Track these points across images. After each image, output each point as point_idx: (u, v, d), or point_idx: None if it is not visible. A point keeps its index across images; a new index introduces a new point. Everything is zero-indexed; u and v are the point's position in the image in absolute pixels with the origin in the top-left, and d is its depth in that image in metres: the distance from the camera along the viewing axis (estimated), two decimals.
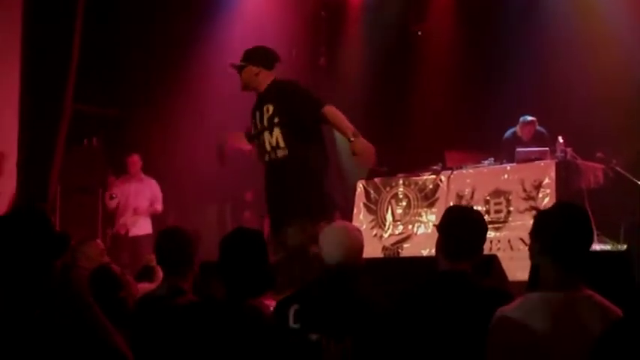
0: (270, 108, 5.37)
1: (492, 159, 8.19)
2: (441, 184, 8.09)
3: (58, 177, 8.97)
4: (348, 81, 12.05)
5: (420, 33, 11.87)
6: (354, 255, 3.70)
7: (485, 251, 3.69)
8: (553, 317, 2.67)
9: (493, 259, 5.26)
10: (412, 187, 8.30)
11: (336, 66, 12.25)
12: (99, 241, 5.74)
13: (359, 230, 3.93)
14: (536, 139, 8.48)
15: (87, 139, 10.84)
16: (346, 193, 9.30)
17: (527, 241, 7.26)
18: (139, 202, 9.41)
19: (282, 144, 5.33)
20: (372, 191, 8.58)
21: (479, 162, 8.20)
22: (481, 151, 8.61)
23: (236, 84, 10.66)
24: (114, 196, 9.16)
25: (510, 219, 7.51)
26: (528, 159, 7.72)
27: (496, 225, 7.29)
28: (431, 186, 8.16)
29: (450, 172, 8.11)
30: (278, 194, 5.46)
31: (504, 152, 8.29)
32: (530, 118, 8.57)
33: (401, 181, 8.42)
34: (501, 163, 8.03)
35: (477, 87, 10.44)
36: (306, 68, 11.95)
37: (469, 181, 7.95)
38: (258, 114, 5.48)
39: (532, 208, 7.38)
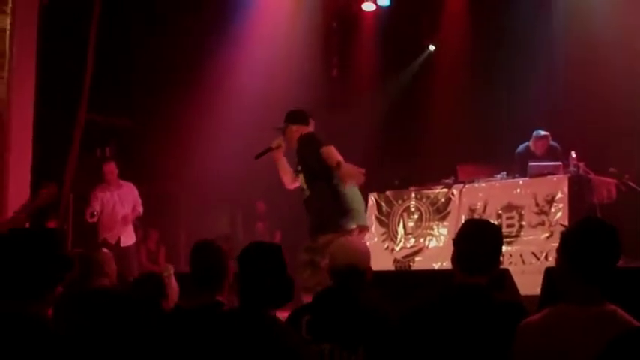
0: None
1: (505, 173, 8.19)
2: (453, 198, 8.09)
3: (71, 186, 9.00)
4: (360, 92, 12.08)
5: (432, 46, 11.89)
6: (362, 258, 3.78)
7: None
8: (577, 331, 2.68)
9: (505, 273, 5.25)
10: (424, 200, 8.31)
11: (348, 77, 12.28)
12: (105, 250, 5.78)
13: (364, 242, 3.99)
14: (550, 154, 8.46)
15: (99, 149, 10.89)
16: None
17: (539, 255, 7.33)
18: (126, 210, 9.36)
19: (304, 186, 6.38)
20: (384, 204, 8.59)
21: (491, 176, 8.20)
22: (493, 165, 8.61)
23: (248, 94, 10.79)
24: (95, 213, 9.07)
25: (522, 233, 7.51)
26: (541, 174, 7.72)
27: (508, 239, 7.29)
28: (443, 200, 8.16)
29: (462, 185, 8.12)
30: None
31: (517, 167, 8.28)
32: (543, 132, 8.56)
33: (413, 195, 8.43)
34: (514, 178, 8.03)
35: (489, 101, 10.44)
36: (319, 79, 12.00)
37: (481, 195, 7.96)
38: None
39: (544, 222, 7.38)
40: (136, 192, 9.47)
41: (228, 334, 3.13)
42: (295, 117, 6.53)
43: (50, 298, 2.81)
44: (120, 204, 9.31)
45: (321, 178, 6.24)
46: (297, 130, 6.43)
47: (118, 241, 9.17)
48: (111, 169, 9.30)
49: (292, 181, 6.54)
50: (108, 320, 3.76)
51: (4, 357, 2.58)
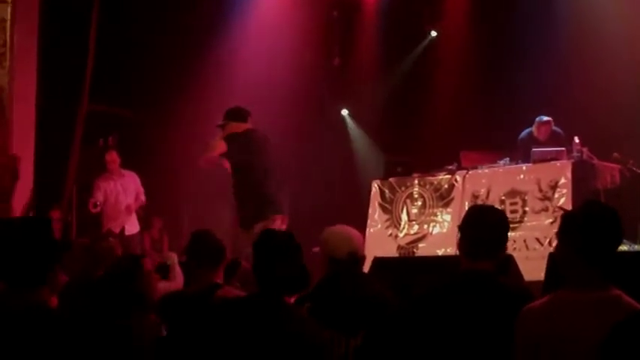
0: None
1: (508, 159, 8.17)
2: (456, 184, 8.08)
3: (74, 176, 9.00)
4: (363, 81, 12.05)
5: (434, 32, 11.85)
6: (360, 246, 3.84)
7: None
8: (581, 316, 2.67)
9: (509, 259, 5.24)
10: (427, 186, 8.29)
11: (350, 66, 12.24)
12: (112, 238, 5.79)
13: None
14: (553, 140, 8.43)
15: (102, 139, 10.87)
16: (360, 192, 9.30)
17: (543, 241, 7.32)
18: (129, 199, 9.34)
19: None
20: (387, 191, 8.58)
21: (494, 162, 8.18)
22: (496, 151, 8.59)
23: (250, 84, 10.77)
24: (97, 204, 9.06)
25: (526, 219, 7.50)
26: (544, 159, 7.69)
27: (512, 225, 7.20)
28: (446, 186, 8.15)
29: (465, 172, 8.10)
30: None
31: (520, 152, 8.26)
32: (546, 118, 8.52)
33: (416, 181, 8.42)
34: (517, 164, 8.01)
35: (492, 87, 10.41)
36: (320, 69, 11.97)
37: (484, 181, 7.94)
38: None
39: (548, 208, 7.36)
40: (138, 181, 9.45)
41: (247, 320, 3.14)
42: (234, 114, 7.13)
43: (53, 282, 2.85)
44: (123, 193, 9.29)
45: (243, 171, 6.89)
46: (236, 127, 7.00)
47: (122, 230, 9.15)
48: (113, 157, 9.28)
49: (209, 163, 7.19)
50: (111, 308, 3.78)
51: (14, 345, 2.62)
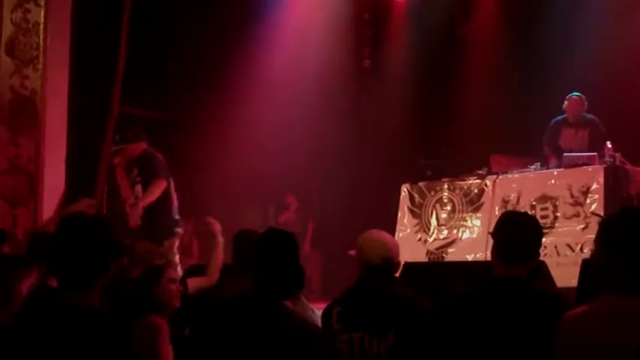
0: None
1: (538, 164, 8.11)
2: (486, 189, 8.03)
3: (105, 178, 9.06)
4: (393, 83, 12.02)
5: (463, 34, 11.78)
6: (396, 252, 3.85)
7: None
8: (624, 324, 2.64)
9: (542, 265, 5.19)
10: (457, 191, 8.24)
11: (380, 68, 12.22)
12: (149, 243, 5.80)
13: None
14: (585, 124, 8.37)
15: None
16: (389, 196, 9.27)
17: (575, 247, 7.24)
18: None
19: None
20: (416, 195, 8.54)
21: (525, 167, 8.12)
22: (527, 155, 8.53)
23: (281, 86, 10.79)
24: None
25: (557, 224, 7.43)
26: (576, 164, 7.62)
27: (543, 230, 7.18)
28: (476, 190, 8.10)
29: (495, 176, 8.05)
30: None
31: (547, 135, 8.33)
32: (576, 94, 8.43)
33: (446, 186, 8.37)
34: (548, 167, 7.96)
35: (523, 89, 10.33)
36: (351, 71, 11.97)
37: (515, 186, 7.88)
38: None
39: (579, 213, 7.29)
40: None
41: (244, 322, 3.13)
42: (130, 137, 7.52)
43: (99, 286, 2.88)
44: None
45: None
46: (133, 148, 7.42)
47: None
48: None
49: (129, 190, 7.47)
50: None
51: (63, 346, 2.66)
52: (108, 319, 2.83)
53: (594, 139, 8.23)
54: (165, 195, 7.29)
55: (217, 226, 5.14)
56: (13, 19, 8.05)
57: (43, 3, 8.12)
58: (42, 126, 7.99)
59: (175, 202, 7.45)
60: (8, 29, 8.05)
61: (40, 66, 8.10)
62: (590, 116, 8.46)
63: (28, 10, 8.10)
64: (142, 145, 7.47)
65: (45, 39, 8.10)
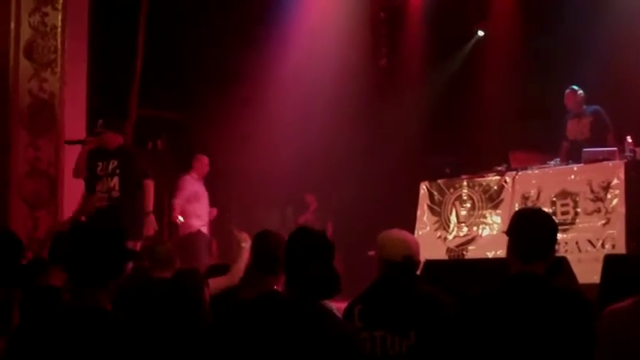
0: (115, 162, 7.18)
1: (558, 159, 8.06)
2: (505, 186, 7.98)
3: None
4: (410, 81, 11.99)
5: (481, 32, 11.74)
6: (417, 250, 3.84)
7: None
8: None
9: (562, 261, 5.16)
10: (476, 188, 8.21)
11: (397, 67, 12.20)
12: (169, 244, 5.82)
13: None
14: (586, 115, 8.47)
15: (151, 142, 10.99)
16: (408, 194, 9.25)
17: (596, 243, 7.19)
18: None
19: (115, 187, 7.11)
20: (435, 193, 8.51)
21: (544, 163, 8.07)
22: (546, 152, 8.48)
23: (296, 85, 10.79)
24: (181, 219, 9.22)
25: (578, 220, 7.37)
26: (596, 159, 7.56)
27: (563, 227, 7.15)
28: (495, 187, 8.06)
29: (514, 172, 8.00)
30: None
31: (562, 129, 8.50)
32: (572, 87, 8.57)
33: (465, 183, 8.34)
34: (567, 164, 7.92)
35: (540, 87, 10.27)
36: (367, 70, 11.94)
37: (534, 182, 7.83)
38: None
39: (600, 209, 7.23)
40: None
41: (278, 323, 3.11)
42: (113, 124, 7.32)
43: (112, 288, 2.92)
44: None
45: (135, 188, 7.08)
46: (114, 137, 7.17)
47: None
48: (207, 161, 9.49)
49: (80, 174, 7.22)
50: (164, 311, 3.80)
51: (74, 345, 2.69)
52: (121, 320, 2.85)
53: (595, 129, 8.38)
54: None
55: (243, 235, 5.17)
56: (31, 22, 8.11)
57: (60, 7, 8.18)
58: (61, 129, 8.06)
59: None
60: (27, 33, 8.12)
61: (58, 69, 8.16)
62: (593, 107, 8.57)
63: (46, 14, 8.16)
64: (120, 138, 7.30)
65: (63, 42, 8.16)
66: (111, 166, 7.14)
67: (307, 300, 3.15)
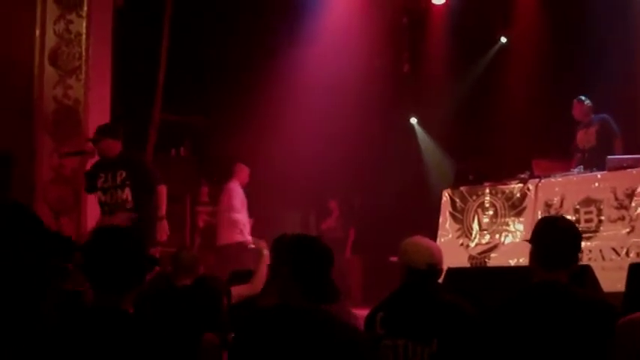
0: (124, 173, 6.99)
1: (582, 167, 8.00)
2: (528, 193, 7.93)
3: None
4: (432, 87, 11.97)
5: (504, 38, 11.70)
6: (440, 258, 3.82)
7: None
8: None
9: (587, 269, 5.12)
10: (499, 195, 8.17)
11: (419, 72, 12.18)
12: (194, 252, 5.85)
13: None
14: (593, 123, 8.49)
15: (174, 148, 11.04)
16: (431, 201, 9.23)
17: (620, 251, 7.12)
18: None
19: (129, 198, 6.96)
20: (458, 200, 8.48)
21: (567, 170, 8.02)
22: (569, 159, 8.44)
23: (319, 90, 10.80)
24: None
25: (602, 228, 7.30)
26: (620, 166, 7.50)
27: (587, 234, 7.08)
28: (518, 195, 8.01)
29: (538, 180, 7.95)
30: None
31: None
32: (580, 97, 8.62)
33: (487, 190, 8.30)
34: (591, 171, 7.86)
35: (564, 94, 10.20)
36: (390, 75, 11.94)
37: (558, 190, 7.77)
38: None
39: (624, 217, 7.17)
40: None
41: (287, 331, 3.10)
42: (111, 131, 7.11)
43: (135, 293, 2.95)
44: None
45: (148, 195, 6.99)
46: (113, 143, 6.99)
47: None
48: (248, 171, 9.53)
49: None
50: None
51: (99, 348, 2.72)
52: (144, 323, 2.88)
53: (601, 137, 8.41)
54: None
55: (262, 243, 5.19)
56: (56, 30, 8.19)
57: (84, 14, 8.25)
58: (85, 135, 8.10)
59: None
60: (51, 40, 8.19)
61: (82, 76, 8.22)
62: (600, 116, 8.59)
63: (71, 22, 8.23)
64: (119, 145, 7.02)
65: (87, 49, 8.23)
66: (119, 178, 6.95)
67: (317, 307, 3.14)
